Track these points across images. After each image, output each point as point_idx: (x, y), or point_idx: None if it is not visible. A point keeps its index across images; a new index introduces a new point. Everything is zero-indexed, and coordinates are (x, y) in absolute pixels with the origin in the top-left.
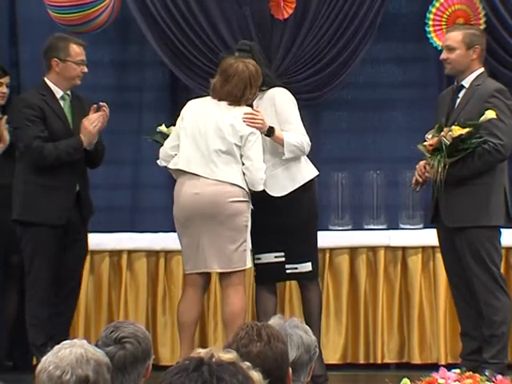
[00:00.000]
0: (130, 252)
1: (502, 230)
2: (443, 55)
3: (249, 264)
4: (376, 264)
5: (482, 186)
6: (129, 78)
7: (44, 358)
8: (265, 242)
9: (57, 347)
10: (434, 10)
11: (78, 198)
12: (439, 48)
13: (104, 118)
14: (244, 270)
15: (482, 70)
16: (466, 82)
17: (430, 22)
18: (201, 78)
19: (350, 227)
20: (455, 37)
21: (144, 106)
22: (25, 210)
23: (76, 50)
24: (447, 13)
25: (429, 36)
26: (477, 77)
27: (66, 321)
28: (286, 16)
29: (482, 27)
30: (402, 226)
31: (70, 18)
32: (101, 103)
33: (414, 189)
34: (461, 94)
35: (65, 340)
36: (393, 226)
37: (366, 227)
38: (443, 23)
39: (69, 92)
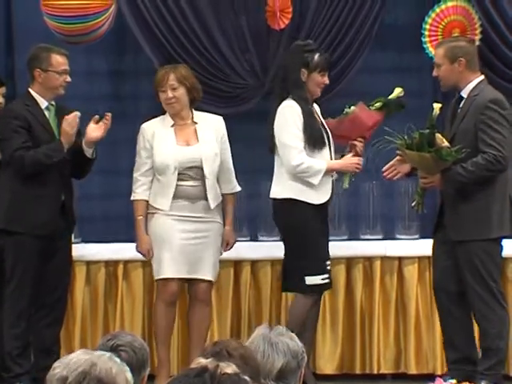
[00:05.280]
0: (126, 262)
1: (503, 240)
2: (434, 72)
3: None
4: (372, 274)
5: (483, 198)
6: (125, 88)
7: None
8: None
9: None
10: (429, 21)
11: (63, 207)
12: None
13: (105, 128)
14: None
15: (480, 78)
16: (465, 93)
17: (426, 33)
18: None
19: (346, 237)
20: (438, 53)
21: (140, 115)
22: (10, 220)
23: (58, 60)
24: (443, 23)
25: (424, 46)
26: (475, 86)
27: (55, 332)
28: (283, 26)
29: (478, 38)
30: (398, 236)
31: (72, 28)
32: (106, 113)
33: (413, 207)
34: (461, 105)
35: (55, 351)
36: (389, 236)
37: (362, 237)
38: (439, 33)
39: (53, 102)
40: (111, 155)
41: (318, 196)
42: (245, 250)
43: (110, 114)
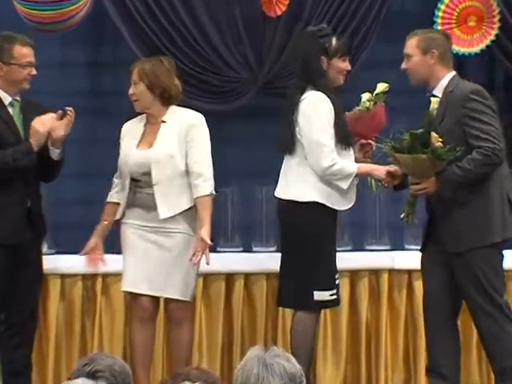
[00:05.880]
0: (105, 275)
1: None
2: (403, 65)
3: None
4: (379, 288)
5: (480, 200)
6: (104, 82)
7: None
8: None
9: None
10: (442, 7)
11: (29, 215)
12: None
13: (68, 125)
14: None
15: (452, 74)
16: (438, 91)
17: (439, 21)
18: (185, 82)
19: (349, 248)
20: (411, 43)
21: (121, 112)
22: None
23: (21, 52)
24: (457, 10)
25: None
26: (448, 82)
27: (25, 353)
28: (279, 13)
29: (497, 25)
30: (407, 246)
31: (46, 15)
32: (66, 108)
33: (403, 219)
34: (436, 105)
35: (25, 374)
36: (397, 246)
37: (367, 248)
38: (453, 21)
39: (18, 97)
40: (89, 156)
41: (344, 201)
42: (237, 261)
43: (71, 109)
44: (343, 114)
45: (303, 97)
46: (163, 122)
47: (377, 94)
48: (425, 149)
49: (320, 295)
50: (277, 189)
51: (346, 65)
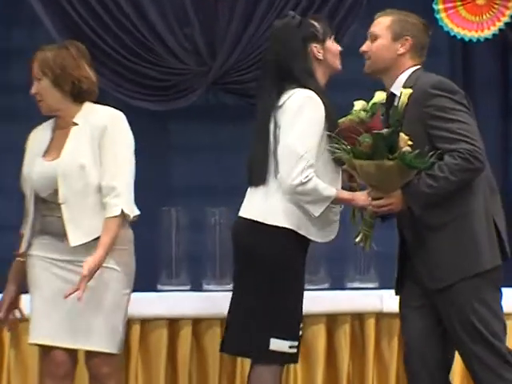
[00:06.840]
0: None
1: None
2: (364, 46)
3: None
4: (364, 336)
5: (462, 220)
6: (14, 74)
7: None
8: None
9: None
10: None
11: None
12: (452, 33)
13: None
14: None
15: (414, 68)
16: (397, 89)
17: None
18: (117, 74)
19: (327, 286)
20: (382, 22)
21: (36, 111)
22: None
23: None
24: None
25: (437, 17)
26: (409, 77)
27: None
28: None
29: None
30: None
31: None
32: None
33: (358, 244)
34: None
35: None
36: (386, 283)
37: (349, 286)
38: (458, 0)
39: None
40: None
41: (323, 233)
42: (183, 302)
43: None
44: (336, 122)
45: (286, 96)
46: (75, 124)
47: (374, 104)
48: (390, 153)
49: (277, 345)
50: (242, 205)
51: (337, 45)
